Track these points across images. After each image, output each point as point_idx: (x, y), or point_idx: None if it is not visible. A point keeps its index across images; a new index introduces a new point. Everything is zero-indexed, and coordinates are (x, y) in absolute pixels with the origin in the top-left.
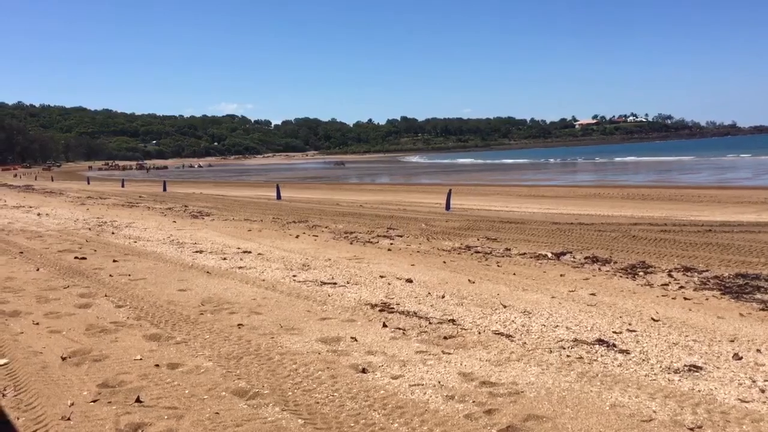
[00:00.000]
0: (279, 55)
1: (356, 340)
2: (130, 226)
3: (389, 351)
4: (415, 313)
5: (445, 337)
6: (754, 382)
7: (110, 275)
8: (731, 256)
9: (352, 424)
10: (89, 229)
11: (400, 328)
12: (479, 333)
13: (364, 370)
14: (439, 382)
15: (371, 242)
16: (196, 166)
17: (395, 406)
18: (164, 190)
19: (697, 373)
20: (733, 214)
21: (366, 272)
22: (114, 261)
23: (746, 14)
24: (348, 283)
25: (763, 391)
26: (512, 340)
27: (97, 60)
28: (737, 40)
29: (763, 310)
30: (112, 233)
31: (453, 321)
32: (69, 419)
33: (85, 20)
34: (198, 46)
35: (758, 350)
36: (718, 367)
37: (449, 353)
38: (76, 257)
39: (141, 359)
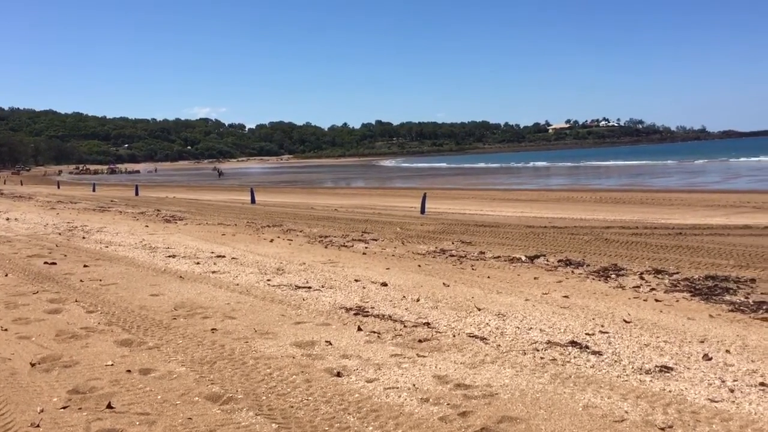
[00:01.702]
0: (253, 58)
1: (331, 343)
2: (101, 231)
3: (364, 354)
4: (390, 316)
5: (419, 340)
6: (723, 382)
7: (81, 280)
8: (701, 258)
9: (327, 428)
10: (59, 233)
11: (374, 332)
12: (454, 336)
13: (338, 374)
14: (414, 385)
15: (346, 246)
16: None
17: (370, 410)
18: (136, 194)
19: (668, 374)
20: (703, 218)
21: (341, 276)
22: (85, 266)
23: (715, 20)
24: (323, 287)
25: (732, 391)
26: (486, 343)
27: (67, 63)
28: (706, 47)
29: (732, 311)
30: (83, 238)
31: (428, 324)
32: (38, 426)
33: (55, 23)
34: (171, 49)
35: (727, 351)
36: (688, 368)
37: (424, 356)
38: (45, 262)
39: (112, 365)
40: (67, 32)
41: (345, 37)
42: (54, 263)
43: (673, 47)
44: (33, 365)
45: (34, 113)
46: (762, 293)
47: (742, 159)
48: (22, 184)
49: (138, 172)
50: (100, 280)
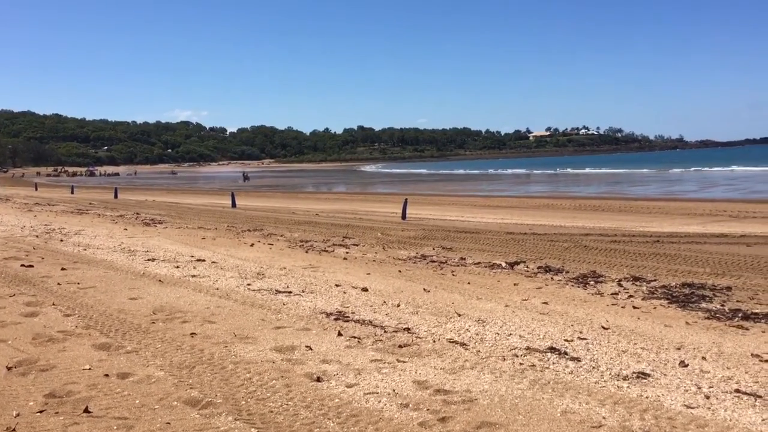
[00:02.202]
0: (235, 62)
1: (311, 348)
2: (79, 234)
3: (344, 359)
4: (371, 321)
5: (400, 346)
6: (699, 388)
7: (58, 283)
8: (678, 266)
9: None
10: (36, 236)
11: (355, 337)
12: (434, 341)
13: (318, 379)
14: (394, 390)
15: (327, 251)
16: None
17: (350, 415)
18: (115, 197)
19: (645, 380)
20: (680, 226)
21: (321, 281)
22: (62, 269)
23: (693, 31)
24: (303, 291)
25: (707, 398)
26: (466, 349)
27: (47, 64)
28: (685, 58)
29: (708, 318)
30: (61, 240)
31: (408, 329)
32: (14, 430)
33: (34, 24)
34: (152, 52)
35: (703, 357)
36: (665, 374)
37: (404, 361)
38: (22, 265)
39: (90, 369)
40: (46, 34)
41: (328, 42)
42: (31, 266)
43: (652, 57)
44: (9, 369)
45: (12, 114)
46: (738, 301)
47: (715, 168)
48: None
49: (117, 174)
50: (78, 284)
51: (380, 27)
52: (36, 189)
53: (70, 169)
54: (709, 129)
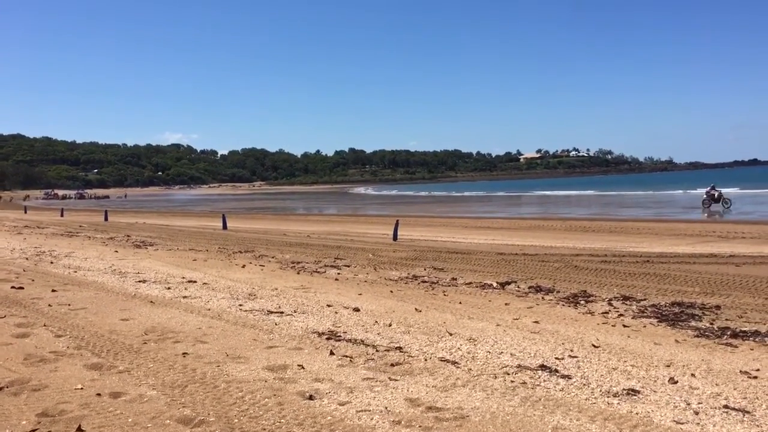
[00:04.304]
0: (225, 85)
1: (303, 367)
2: (69, 256)
3: (336, 378)
4: (362, 341)
5: (392, 364)
6: (688, 404)
7: (49, 305)
8: (668, 285)
9: None
10: (26, 258)
11: (347, 356)
12: (426, 360)
13: (311, 397)
14: (386, 408)
15: (318, 272)
16: (124, 196)
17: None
18: (106, 219)
19: (635, 397)
20: (670, 246)
21: (313, 301)
22: (53, 290)
23: (683, 54)
24: (295, 312)
25: (696, 414)
26: (458, 367)
27: (37, 86)
28: (674, 81)
29: (697, 336)
30: (51, 263)
31: (400, 348)
32: None
33: (24, 46)
34: (142, 75)
35: (692, 375)
36: (654, 391)
37: (396, 380)
38: (12, 287)
39: (82, 388)
40: (36, 55)
41: (319, 65)
42: (21, 288)
43: (641, 80)
44: (1, 389)
45: (2, 137)
46: (726, 319)
47: (698, 189)
48: None
49: (107, 197)
50: (69, 305)
51: (372, 50)
52: (25, 212)
53: (60, 192)
54: (697, 151)
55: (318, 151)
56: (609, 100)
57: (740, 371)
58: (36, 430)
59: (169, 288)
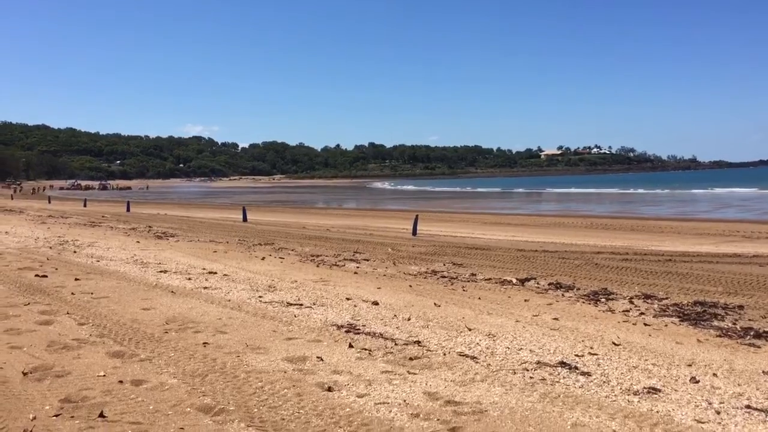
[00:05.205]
0: (246, 78)
1: (322, 359)
2: (92, 246)
3: (355, 371)
4: (381, 334)
5: (410, 358)
6: (710, 404)
7: (72, 293)
8: (690, 284)
9: None
10: (50, 247)
11: (366, 349)
12: (444, 354)
13: (329, 389)
14: (405, 401)
15: (338, 265)
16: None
17: (361, 423)
18: (128, 210)
19: (655, 395)
20: (693, 245)
21: (332, 294)
22: (76, 279)
23: (706, 52)
24: (314, 304)
25: (718, 413)
26: (477, 362)
27: (62, 79)
28: (698, 78)
29: (719, 336)
30: (74, 252)
31: (418, 342)
32: None
33: (49, 38)
34: (164, 67)
35: (714, 374)
36: (675, 390)
37: (415, 373)
38: (36, 275)
39: (104, 375)
40: (61, 48)
41: (339, 59)
42: (45, 276)
43: (665, 78)
44: (25, 374)
45: (27, 128)
46: (749, 320)
47: (721, 189)
48: (12, 198)
49: (129, 188)
50: (92, 294)
51: (393, 45)
52: (49, 202)
53: (83, 183)
54: (721, 150)
55: (338, 145)
56: (631, 97)
57: (763, 372)
58: (59, 415)
59: (189, 279)
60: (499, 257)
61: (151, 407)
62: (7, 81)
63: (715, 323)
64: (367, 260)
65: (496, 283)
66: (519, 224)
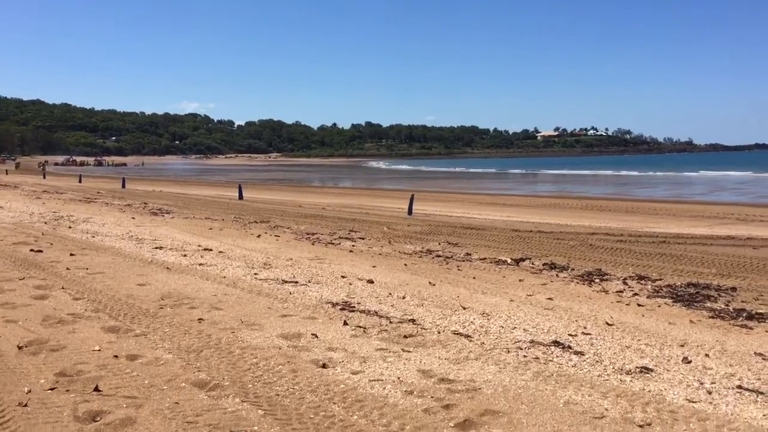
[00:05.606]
0: (243, 55)
1: (317, 336)
2: (87, 221)
3: (350, 348)
4: (376, 312)
5: (405, 336)
6: (701, 384)
7: (67, 268)
8: (684, 266)
9: (312, 416)
10: (45, 222)
11: (360, 327)
12: (439, 333)
13: (324, 365)
14: (399, 378)
15: (333, 243)
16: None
17: (355, 400)
18: (123, 186)
19: (647, 375)
20: (687, 227)
21: (327, 272)
22: (71, 254)
23: (703, 34)
24: (309, 282)
25: (709, 393)
26: (471, 340)
27: (56, 53)
28: (694, 61)
29: (712, 317)
30: (69, 227)
31: (413, 321)
32: (26, 405)
33: (45, 14)
34: (161, 43)
35: (706, 355)
36: (668, 370)
37: (409, 351)
38: (32, 250)
39: (99, 350)
40: (57, 23)
41: (336, 37)
42: (40, 251)
43: (661, 60)
44: (20, 348)
45: (21, 103)
46: (742, 301)
47: (716, 172)
48: (6, 174)
49: (125, 165)
50: (87, 269)
51: (389, 24)
52: (44, 177)
53: (78, 159)
54: (718, 133)
55: (334, 124)
56: (628, 79)
57: (755, 353)
58: (54, 388)
59: (185, 255)
60: (494, 237)
61: (146, 382)
62: (1, 55)
63: (708, 304)
64: (363, 239)
65: (491, 262)
66: (514, 205)
